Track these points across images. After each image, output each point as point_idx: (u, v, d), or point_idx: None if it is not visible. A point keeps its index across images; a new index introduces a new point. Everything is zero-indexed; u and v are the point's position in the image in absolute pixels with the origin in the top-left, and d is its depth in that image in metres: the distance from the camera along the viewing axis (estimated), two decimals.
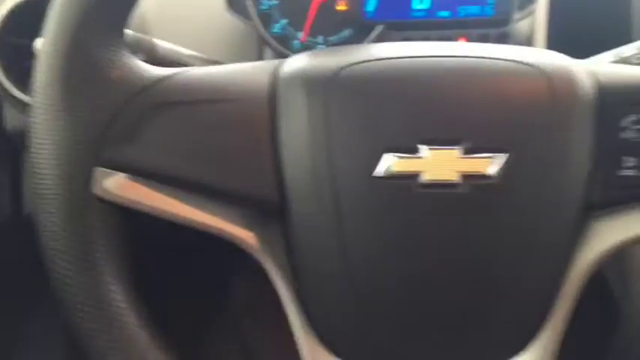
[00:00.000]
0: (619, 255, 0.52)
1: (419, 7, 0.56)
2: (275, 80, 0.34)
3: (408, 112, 0.32)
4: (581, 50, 0.46)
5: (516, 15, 0.53)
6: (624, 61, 0.42)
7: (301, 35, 0.57)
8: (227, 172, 0.33)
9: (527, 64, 0.32)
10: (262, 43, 0.58)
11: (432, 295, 0.33)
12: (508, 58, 0.33)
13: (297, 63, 0.35)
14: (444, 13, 0.56)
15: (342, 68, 0.33)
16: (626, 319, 0.63)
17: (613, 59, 0.43)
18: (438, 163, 0.31)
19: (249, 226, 0.34)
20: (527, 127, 0.32)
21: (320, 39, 0.57)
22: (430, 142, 0.31)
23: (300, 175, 0.33)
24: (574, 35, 0.56)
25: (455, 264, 0.32)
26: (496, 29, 0.54)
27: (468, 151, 0.31)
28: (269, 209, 0.34)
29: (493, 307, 0.33)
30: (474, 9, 0.55)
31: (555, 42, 0.58)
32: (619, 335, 0.64)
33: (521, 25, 0.55)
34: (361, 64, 0.33)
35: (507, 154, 0.31)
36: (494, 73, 0.32)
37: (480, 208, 0.32)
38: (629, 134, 0.32)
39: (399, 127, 0.32)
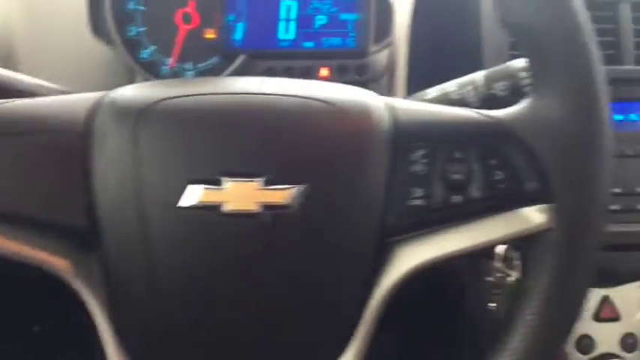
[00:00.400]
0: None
1: (285, 37, 0.59)
2: (93, 111, 0.35)
3: (213, 146, 0.34)
4: (439, 79, 0.51)
5: (373, 47, 0.57)
6: (446, 96, 0.46)
7: (170, 61, 0.59)
8: (41, 203, 0.34)
9: (324, 101, 0.35)
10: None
11: (237, 319, 0.35)
12: (308, 95, 0.35)
13: (118, 94, 0.37)
14: (309, 44, 0.59)
15: (155, 102, 0.35)
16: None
17: (436, 94, 0.47)
18: (240, 195, 0.33)
19: (64, 255, 0.35)
20: (323, 161, 0.34)
21: (189, 65, 0.59)
22: (232, 174, 0.34)
23: (110, 204, 0.34)
24: (433, 65, 0.60)
25: (259, 290, 0.34)
26: (355, 60, 0.57)
27: (268, 183, 0.34)
28: (84, 238, 0.35)
29: (296, 331, 0.35)
30: (336, 40, 0.59)
31: (415, 72, 0.62)
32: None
33: (380, 57, 0.59)
34: (175, 99, 0.35)
35: (305, 186, 0.34)
36: (295, 110, 0.35)
37: (281, 237, 0.34)
38: (417, 167, 0.36)
39: (203, 160, 0.34)
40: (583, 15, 0.36)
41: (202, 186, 0.33)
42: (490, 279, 0.50)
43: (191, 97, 0.35)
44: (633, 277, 0.63)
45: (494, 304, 0.51)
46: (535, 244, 0.36)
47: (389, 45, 0.57)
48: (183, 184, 0.33)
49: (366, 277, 0.36)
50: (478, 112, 0.37)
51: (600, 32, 0.63)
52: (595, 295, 0.66)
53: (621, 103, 0.61)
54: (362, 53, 0.57)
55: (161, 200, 0.33)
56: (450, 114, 0.37)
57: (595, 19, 0.63)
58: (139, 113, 0.34)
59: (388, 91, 0.61)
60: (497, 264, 0.49)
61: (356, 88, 0.38)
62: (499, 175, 0.35)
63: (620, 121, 0.61)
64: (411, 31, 0.61)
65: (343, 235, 0.34)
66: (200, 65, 0.59)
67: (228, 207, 0.33)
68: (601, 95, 0.35)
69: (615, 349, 0.67)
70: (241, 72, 0.57)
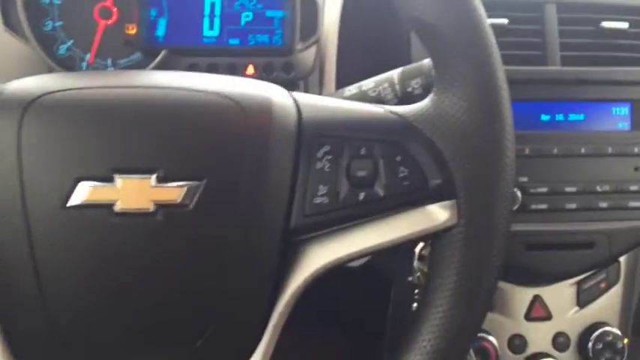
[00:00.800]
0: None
1: (209, 33, 0.58)
2: None
3: (103, 142, 0.32)
4: (368, 77, 0.50)
5: (299, 45, 0.57)
6: (363, 94, 0.46)
7: (89, 57, 0.57)
8: None
9: (224, 95, 0.34)
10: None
11: (132, 321, 0.33)
12: (206, 89, 0.35)
13: (9, 86, 0.35)
14: (234, 41, 0.58)
15: (40, 95, 0.33)
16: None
17: (355, 91, 0.46)
18: (132, 192, 0.32)
19: None
20: (221, 157, 0.33)
21: (109, 62, 0.57)
22: (124, 171, 0.32)
23: None
24: (362, 63, 0.60)
25: (153, 296, 0.33)
26: (281, 58, 0.57)
27: (162, 180, 0.32)
28: None
29: (198, 335, 0.34)
30: (262, 38, 0.58)
31: (344, 70, 0.62)
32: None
33: (308, 54, 0.58)
34: (63, 92, 0.33)
35: (202, 183, 0.33)
36: (191, 104, 0.34)
37: (177, 236, 0.33)
38: (323, 164, 0.35)
39: (93, 156, 0.32)
40: (481, 12, 0.36)
41: (92, 183, 0.32)
42: (410, 279, 0.51)
43: (79, 90, 0.34)
44: (564, 275, 0.65)
45: (416, 305, 0.51)
46: (441, 241, 0.36)
47: (316, 42, 0.57)
48: (72, 182, 0.32)
49: (272, 278, 0.35)
50: (384, 109, 0.37)
51: (526, 33, 0.65)
52: (526, 295, 0.67)
53: (547, 103, 0.62)
54: (288, 51, 0.56)
55: (47, 199, 0.32)
56: (356, 110, 0.37)
57: (521, 20, 0.65)
58: (24, 107, 0.33)
59: (319, 89, 0.61)
60: (416, 263, 0.49)
61: (263, 83, 0.37)
62: (403, 171, 0.35)
63: (547, 121, 0.62)
64: (341, 28, 0.61)
65: (244, 235, 0.33)
66: (121, 62, 0.57)
67: (120, 205, 0.32)
68: (501, 93, 0.36)
69: (547, 348, 0.68)
70: (163, 69, 0.56)
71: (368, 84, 0.46)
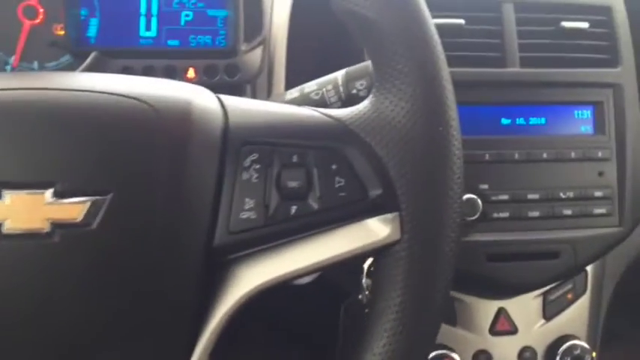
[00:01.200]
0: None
1: (146, 34, 0.54)
2: None
3: None
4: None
5: (244, 46, 0.53)
6: (305, 96, 0.43)
7: (13, 60, 0.53)
8: None
9: (136, 98, 0.31)
10: None
11: (28, 352, 0.29)
12: (114, 90, 0.31)
13: None
14: (174, 42, 0.54)
15: None
16: None
17: (296, 94, 0.43)
18: (23, 210, 0.28)
19: None
20: (131, 168, 0.30)
21: (35, 65, 0.53)
22: (13, 185, 0.28)
23: None
24: (314, 64, 0.57)
25: (52, 326, 0.29)
26: (224, 60, 0.53)
27: (60, 195, 0.28)
28: None
29: None
30: (205, 39, 0.54)
31: (295, 72, 0.59)
32: None
33: (253, 56, 0.55)
34: None
35: (107, 198, 0.29)
36: (96, 107, 0.30)
37: (78, 260, 0.29)
38: (250, 174, 0.32)
39: None
40: (424, 6, 0.33)
41: None
42: (360, 296, 0.47)
43: None
44: (528, 287, 0.62)
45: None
46: (383, 259, 0.33)
47: (262, 43, 0.54)
48: None
49: (194, 304, 0.31)
50: (319, 112, 0.33)
51: (483, 34, 0.62)
52: (490, 308, 0.64)
53: (508, 107, 0.60)
54: (232, 52, 0.53)
55: None
56: (288, 114, 0.33)
57: (478, 20, 0.63)
58: None
59: (267, 92, 0.58)
60: (364, 280, 0.46)
61: (184, 85, 0.34)
62: (340, 182, 0.32)
63: (507, 125, 0.60)
64: (290, 28, 0.58)
65: (159, 258, 0.30)
66: (48, 65, 0.53)
67: (9, 225, 0.28)
68: (446, 93, 0.33)
69: None
70: (94, 72, 0.51)
71: (310, 86, 0.43)
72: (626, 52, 0.63)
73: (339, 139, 0.32)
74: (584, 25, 0.62)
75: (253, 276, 0.32)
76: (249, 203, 0.31)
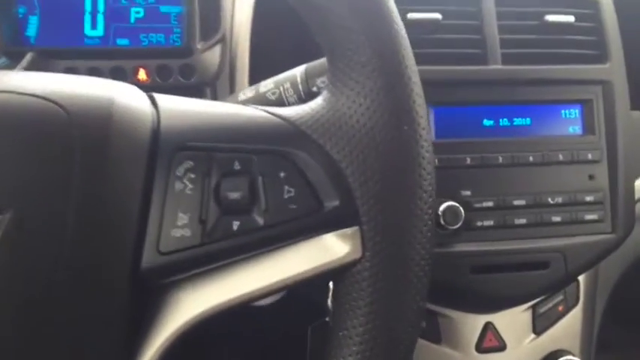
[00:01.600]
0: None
1: (92, 33, 0.49)
2: None
3: None
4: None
5: (200, 45, 0.49)
6: (261, 96, 0.38)
7: None
8: None
9: (44, 97, 0.26)
10: None
11: None
12: (18, 89, 0.26)
13: None
14: (123, 41, 0.50)
15: None
16: None
17: (251, 94, 0.39)
18: None
19: None
20: (37, 180, 0.25)
21: None
22: None
23: None
24: (278, 64, 0.53)
25: None
26: (179, 60, 0.49)
27: None
28: None
29: None
30: (158, 37, 0.50)
31: (258, 73, 0.54)
32: None
33: (211, 56, 0.51)
34: None
35: (6, 216, 0.24)
36: None
37: None
38: (183, 185, 0.27)
39: None
40: None
41: None
42: (328, 319, 0.43)
43: None
44: (516, 300, 0.58)
45: None
46: (343, 280, 0.28)
47: (220, 42, 0.49)
48: None
49: (123, 337, 0.27)
50: (265, 111, 0.29)
51: (462, 29, 0.58)
52: (476, 323, 0.60)
53: (490, 107, 0.56)
54: (186, 52, 0.48)
55: None
56: (228, 114, 0.29)
57: (456, 15, 0.58)
58: None
59: (230, 95, 0.53)
60: (330, 301, 0.41)
61: (109, 82, 0.29)
62: (290, 191, 0.28)
63: (490, 126, 0.56)
64: (254, 25, 0.53)
65: (71, 286, 0.25)
66: None
67: None
68: (412, 86, 0.28)
69: None
70: None
71: (267, 85, 0.38)
72: (614, 47, 0.59)
73: (287, 142, 0.28)
74: (570, 18, 0.58)
75: (191, 304, 0.27)
76: (183, 219, 0.27)
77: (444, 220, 0.53)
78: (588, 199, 0.57)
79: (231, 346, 0.62)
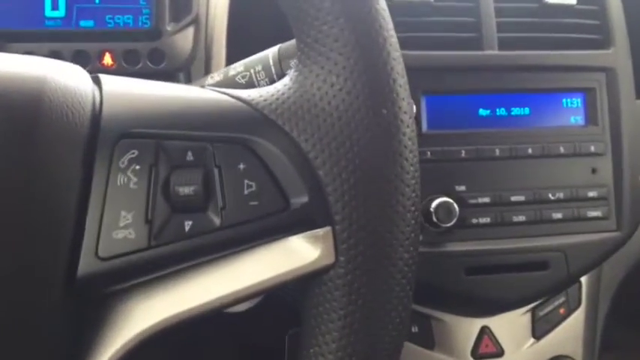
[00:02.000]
0: None
1: (53, 14, 0.46)
2: None
3: None
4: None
5: (169, 27, 0.45)
6: (230, 79, 0.35)
7: None
8: None
9: None
10: None
11: None
12: None
13: None
14: (87, 23, 0.46)
15: None
16: None
17: (219, 78, 0.35)
18: None
19: None
20: None
21: None
22: None
23: None
24: (258, 48, 0.49)
25: None
26: (147, 43, 0.45)
27: None
28: None
29: None
30: (126, 19, 0.46)
31: (236, 58, 0.51)
32: None
33: (182, 39, 0.47)
34: None
35: None
36: None
37: None
38: (127, 178, 0.23)
39: None
40: None
41: None
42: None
43: None
44: (514, 303, 0.55)
45: None
46: (313, 289, 0.25)
47: (192, 23, 0.45)
48: None
49: (59, 355, 0.23)
50: (224, 93, 0.25)
51: (457, 12, 0.55)
52: (472, 327, 0.56)
53: (486, 95, 0.52)
54: (154, 34, 0.44)
55: None
56: (181, 97, 0.25)
57: None
58: None
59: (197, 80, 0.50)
60: None
61: (44, 60, 0.26)
62: (250, 186, 0.24)
63: (486, 116, 0.52)
64: (232, 6, 0.50)
65: (1, 294, 0.21)
66: None
67: None
68: (393, 64, 0.25)
69: None
70: None
71: (237, 67, 0.35)
72: (619, 32, 0.56)
73: (248, 129, 0.24)
74: (572, 1, 0.55)
75: (138, 317, 0.24)
76: (126, 218, 0.23)
77: (437, 218, 0.49)
78: (591, 194, 0.53)
79: (205, 352, 0.59)
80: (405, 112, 0.24)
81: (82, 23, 0.46)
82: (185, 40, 0.46)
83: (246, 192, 0.24)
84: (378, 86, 0.24)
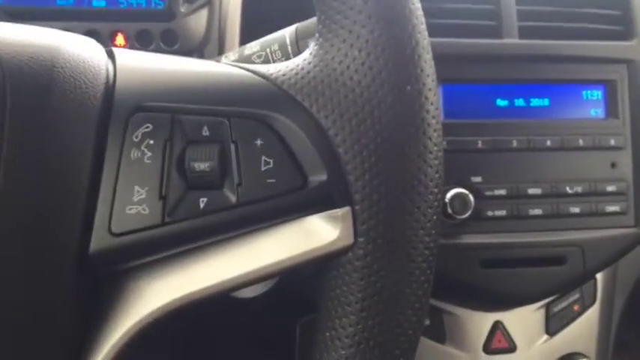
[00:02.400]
0: None
1: None
2: None
3: None
4: None
5: (183, 8, 0.44)
6: (245, 59, 0.34)
7: None
8: None
9: None
10: None
11: None
12: None
13: None
14: (100, 3, 0.46)
15: None
16: None
17: (234, 57, 0.35)
18: None
19: None
20: None
21: None
22: None
23: None
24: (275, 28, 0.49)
25: None
26: (160, 24, 0.44)
27: None
28: None
29: None
30: (139, 0, 0.46)
31: (251, 39, 0.50)
32: None
33: (197, 21, 0.46)
34: None
35: None
36: None
37: None
38: (140, 152, 0.23)
39: None
40: None
41: None
42: None
43: None
44: (529, 298, 0.54)
45: None
46: (331, 271, 0.24)
47: (206, 5, 0.45)
48: None
49: (70, 331, 0.23)
50: (242, 68, 0.25)
51: None
52: (485, 322, 0.56)
53: (504, 85, 0.51)
54: (168, 15, 0.44)
55: None
56: (197, 72, 0.25)
57: None
58: None
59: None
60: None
61: (61, 33, 0.25)
62: (268, 163, 0.23)
63: (504, 107, 0.51)
64: None
65: (8, 268, 0.21)
66: None
67: None
68: (417, 39, 0.24)
69: None
70: None
71: (252, 47, 0.34)
72: None
73: (266, 104, 0.24)
74: None
75: (151, 295, 0.24)
76: (140, 193, 0.23)
77: (452, 209, 0.49)
78: (610, 189, 0.52)
79: (216, 339, 0.58)
80: (430, 89, 0.24)
81: (95, 3, 0.46)
82: (199, 21, 0.46)
83: (263, 169, 0.23)
84: (402, 61, 0.23)
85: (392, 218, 0.23)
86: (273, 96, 0.24)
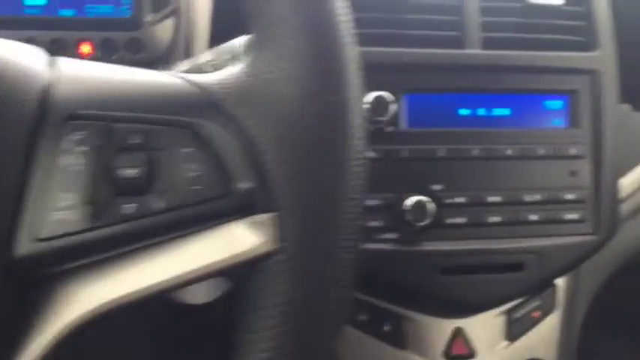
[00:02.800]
0: None
1: (33, 2, 0.47)
2: None
3: None
4: None
5: (149, 17, 0.46)
6: (197, 68, 0.35)
7: None
8: None
9: None
10: None
11: None
12: None
13: None
14: (67, 12, 0.47)
15: None
16: None
17: (188, 67, 0.36)
18: None
19: None
20: None
21: None
22: None
23: None
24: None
25: None
26: (125, 33, 0.46)
27: None
28: None
29: None
30: (105, 9, 0.47)
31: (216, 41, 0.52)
32: None
33: (162, 30, 0.48)
34: None
35: None
36: None
37: None
38: (69, 160, 0.24)
39: None
40: None
41: None
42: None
43: None
44: (488, 304, 0.55)
45: None
46: (255, 275, 0.25)
47: (173, 14, 0.46)
48: None
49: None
50: (180, 77, 0.26)
51: (440, 10, 0.55)
52: (445, 328, 0.57)
53: (466, 95, 0.53)
54: (133, 24, 0.45)
55: None
56: (134, 80, 0.26)
57: None
58: None
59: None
60: None
61: (4, 40, 0.27)
62: (194, 170, 0.25)
63: (466, 116, 0.53)
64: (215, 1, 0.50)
65: None
66: None
67: None
68: (343, 50, 0.25)
69: None
70: None
71: (206, 56, 0.35)
72: (604, 34, 0.56)
73: (194, 112, 0.25)
74: (558, 1, 0.56)
75: (81, 298, 0.25)
76: (67, 199, 0.24)
77: (412, 216, 0.50)
78: (569, 197, 0.54)
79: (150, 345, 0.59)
80: (355, 100, 0.25)
81: (62, 12, 0.47)
82: (165, 30, 0.47)
83: (189, 175, 0.25)
84: (326, 72, 0.25)
85: (314, 224, 0.25)
86: (203, 104, 0.25)
